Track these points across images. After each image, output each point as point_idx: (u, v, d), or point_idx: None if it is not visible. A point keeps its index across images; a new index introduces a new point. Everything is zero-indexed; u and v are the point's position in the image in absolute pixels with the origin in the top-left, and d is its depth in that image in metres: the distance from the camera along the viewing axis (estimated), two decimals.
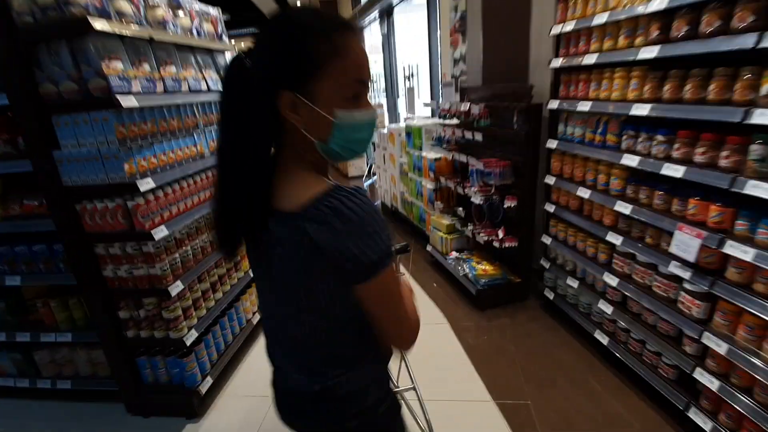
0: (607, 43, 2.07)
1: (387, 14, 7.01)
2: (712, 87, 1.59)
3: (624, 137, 2.05)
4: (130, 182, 1.84)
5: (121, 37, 1.86)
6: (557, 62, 2.43)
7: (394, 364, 1.93)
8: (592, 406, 2.14)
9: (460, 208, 3.58)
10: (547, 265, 2.87)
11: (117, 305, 2.14)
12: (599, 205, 2.28)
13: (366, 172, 6.76)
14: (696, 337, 1.74)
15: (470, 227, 3.33)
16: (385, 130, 5.17)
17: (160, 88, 2.06)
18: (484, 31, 3.58)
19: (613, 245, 2.23)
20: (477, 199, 3.08)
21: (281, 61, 0.71)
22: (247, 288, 2.92)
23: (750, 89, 1.47)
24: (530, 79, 3.05)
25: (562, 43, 2.44)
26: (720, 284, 1.62)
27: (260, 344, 2.87)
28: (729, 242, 1.54)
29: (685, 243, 1.69)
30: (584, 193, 2.31)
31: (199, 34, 2.47)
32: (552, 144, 2.57)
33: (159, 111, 2.08)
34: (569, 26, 2.27)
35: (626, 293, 2.14)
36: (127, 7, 1.88)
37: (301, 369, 0.86)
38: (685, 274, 1.74)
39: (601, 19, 2.02)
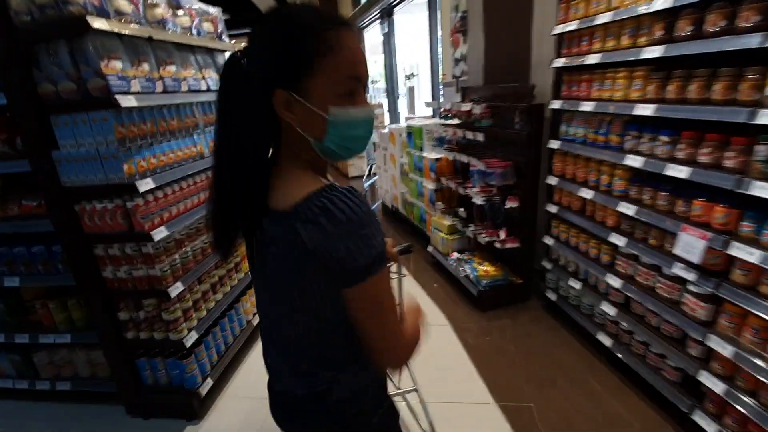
0: (610, 43, 2.05)
1: (387, 14, 7.00)
2: (716, 87, 1.58)
3: (627, 138, 2.04)
4: (130, 183, 1.82)
5: (120, 37, 1.85)
6: (559, 62, 2.41)
7: None
8: (593, 406, 2.13)
9: (462, 209, 3.57)
10: (548, 266, 2.86)
11: (116, 306, 2.13)
12: (602, 206, 2.27)
13: (366, 173, 6.75)
14: (700, 340, 1.72)
15: (471, 228, 3.31)
16: (386, 131, 5.16)
17: (159, 87, 2.05)
18: (485, 30, 3.57)
19: (615, 246, 2.21)
20: (478, 200, 3.07)
21: (274, 59, 0.71)
22: (247, 289, 2.90)
23: (755, 89, 1.46)
24: (532, 79, 3.03)
25: (564, 43, 2.43)
26: (725, 286, 1.60)
27: (260, 345, 2.85)
28: (734, 244, 1.52)
29: (690, 244, 1.67)
30: (587, 194, 2.29)
31: (199, 33, 2.45)
32: (554, 144, 2.56)
33: (158, 111, 2.07)
34: (571, 26, 2.25)
35: (629, 295, 2.12)
36: (126, 6, 1.86)
37: (293, 370, 0.85)
38: (690, 276, 1.73)
39: (603, 18, 2.01)
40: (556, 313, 2.90)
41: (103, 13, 1.74)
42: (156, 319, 2.12)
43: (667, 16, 1.74)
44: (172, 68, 2.16)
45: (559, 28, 2.37)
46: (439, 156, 3.85)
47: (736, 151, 1.54)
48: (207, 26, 2.55)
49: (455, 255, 3.55)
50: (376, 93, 9.35)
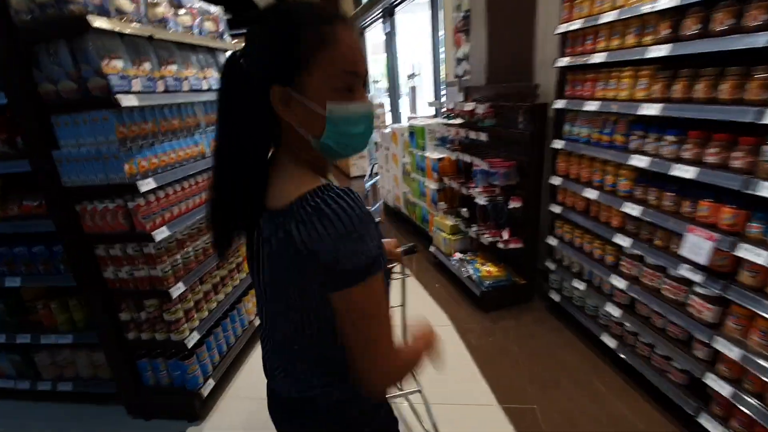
0: (615, 42, 2.03)
1: (389, 14, 6.98)
2: (723, 86, 1.56)
3: (632, 137, 2.01)
4: (131, 183, 1.81)
5: (121, 36, 1.84)
6: (563, 61, 2.39)
7: None
8: (597, 408, 2.12)
9: (464, 209, 3.55)
10: (552, 266, 2.84)
11: (118, 307, 2.12)
12: (606, 206, 2.25)
13: (368, 173, 6.73)
14: (707, 342, 1.70)
15: (474, 228, 3.30)
16: (388, 130, 5.15)
17: (161, 87, 2.04)
18: (488, 29, 3.56)
19: (620, 247, 2.19)
20: (481, 200, 3.05)
21: (269, 55, 0.70)
22: (249, 289, 2.89)
23: (763, 89, 1.44)
24: (535, 79, 3.01)
25: (567, 42, 2.41)
26: (732, 288, 1.58)
27: None
28: (742, 245, 1.50)
29: (697, 245, 1.65)
30: (591, 194, 2.27)
31: (200, 32, 2.44)
32: (558, 144, 2.54)
33: (160, 110, 2.06)
34: (576, 25, 2.23)
35: (635, 296, 2.10)
36: (127, 5, 1.85)
37: (287, 370, 0.84)
38: (696, 277, 1.71)
39: (608, 17, 1.99)
40: (559, 314, 2.88)
41: (103, 12, 1.73)
42: (157, 319, 2.11)
43: (674, 14, 1.72)
44: (173, 67, 2.14)
45: (563, 27, 2.35)
46: (441, 156, 3.83)
47: (743, 151, 1.52)
48: (208, 25, 2.54)
49: (458, 255, 3.53)
50: (377, 93, 9.34)
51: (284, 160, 0.77)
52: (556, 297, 2.84)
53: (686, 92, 1.71)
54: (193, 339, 2.17)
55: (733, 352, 1.58)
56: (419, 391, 1.95)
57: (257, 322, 2.91)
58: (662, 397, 2.01)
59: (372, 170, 6.60)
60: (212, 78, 2.48)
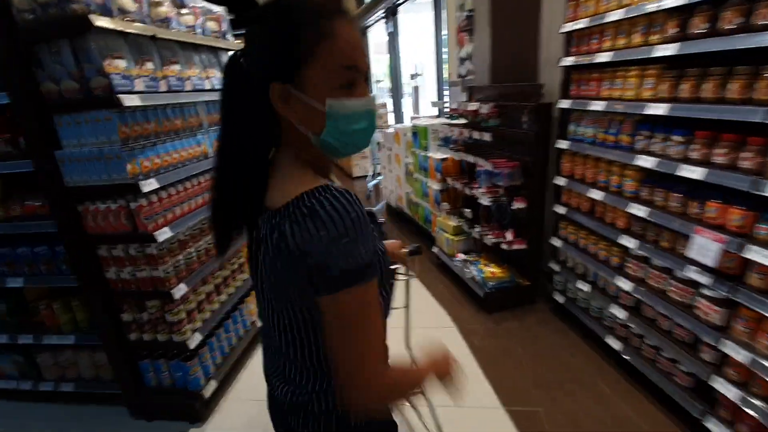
0: (621, 41, 2.01)
1: (392, 13, 6.97)
2: (732, 86, 1.54)
3: (638, 137, 1.99)
4: (133, 183, 1.80)
5: (124, 35, 1.83)
6: (568, 60, 2.37)
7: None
8: (602, 410, 2.10)
9: (468, 210, 3.53)
10: (556, 268, 2.82)
11: (120, 308, 2.11)
12: (611, 207, 2.23)
13: (371, 173, 6.72)
14: (714, 344, 1.68)
15: (477, 229, 3.28)
16: (391, 130, 5.14)
17: (163, 87, 2.03)
18: (491, 28, 3.54)
19: (626, 248, 2.17)
20: (485, 201, 3.03)
21: (267, 52, 0.69)
22: (251, 290, 2.87)
23: None
24: (539, 78, 2.99)
25: (573, 41, 2.39)
26: (740, 290, 1.56)
27: None
28: (750, 247, 1.48)
29: (704, 247, 1.63)
30: (596, 194, 2.25)
31: (203, 32, 2.43)
32: (562, 144, 2.52)
33: (162, 110, 2.05)
34: (581, 23, 2.21)
35: (640, 298, 2.08)
36: (129, 4, 1.84)
37: (283, 375, 0.83)
38: (703, 279, 1.69)
39: (615, 15, 1.97)
40: (563, 315, 2.86)
41: (106, 11, 1.72)
42: (159, 320, 2.10)
43: (681, 13, 1.70)
44: (176, 67, 2.14)
45: (568, 26, 2.33)
46: (444, 156, 3.82)
47: (752, 152, 1.50)
48: (211, 25, 2.53)
49: (461, 256, 3.52)
50: (380, 93, 9.32)
51: (285, 159, 0.76)
52: (560, 298, 2.82)
53: (694, 92, 1.69)
54: (195, 340, 2.16)
55: (740, 355, 1.56)
56: (422, 393, 1.93)
57: (259, 323, 2.90)
58: (667, 399, 2.00)
59: (375, 170, 6.59)
60: (215, 78, 2.47)
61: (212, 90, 2.42)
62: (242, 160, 0.73)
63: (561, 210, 2.65)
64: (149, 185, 1.85)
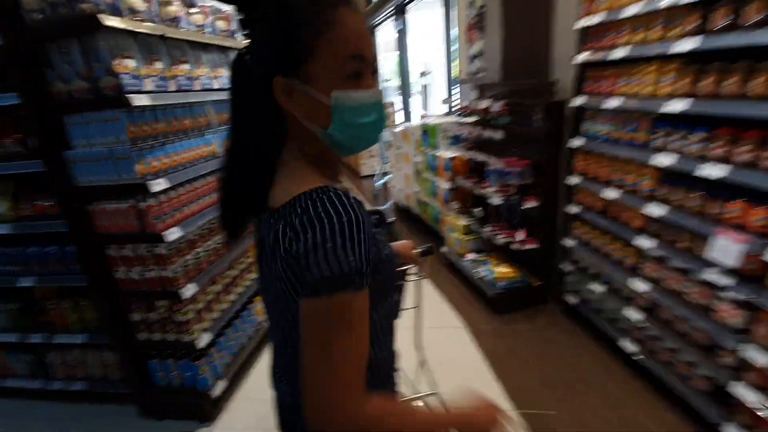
0: (638, 36, 1.96)
1: (401, 11, 6.93)
2: (755, 82, 1.48)
3: (656, 135, 1.94)
4: (142, 183, 1.80)
5: (133, 35, 1.82)
6: (583, 57, 2.32)
7: (411, 368, 1.86)
8: (614, 413, 2.06)
9: (478, 209, 3.49)
10: (568, 268, 2.77)
11: (129, 307, 2.11)
12: (627, 207, 2.17)
13: (380, 172, 6.70)
14: (734, 348, 1.63)
15: (488, 229, 3.23)
16: (399, 129, 5.11)
17: (172, 86, 2.02)
18: (503, 25, 3.49)
19: (641, 249, 2.12)
20: (495, 200, 2.99)
21: (269, 46, 0.68)
22: None
23: None
24: (552, 75, 2.93)
25: (587, 37, 2.34)
26: (763, 292, 1.51)
27: None
28: None
29: (725, 248, 1.58)
30: (612, 193, 2.20)
31: (212, 31, 2.42)
32: (576, 143, 2.46)
33: (171, 110, 2.04)
34: (596, 18, 2.16)
35: (657, 300, 2.03)
36: (139, 4, 1.83)
37: (284, 375, 0.82)
38: (724, 281, 1.64)
39: (632, 10, 1.92)
40: (575, 317, 2.81)
41: (115, 10, 1.71)
42: (168, 320, 2.10)
43: (702, 7, 1.64)
44: (185, 67, 2.13)
45: (583, 22, 2.28)
46: (454, 155, 3.78)
47: None
48: (221, 24, 2.52)
49: (471, 256, 3.48)
50: (388, 91, 9.29)
51: (289, 157, 0.74)
52: (572, 300, 2.77)
53: (715, 88, 1.63)
54: (203, 340, 2.15)
55: (762, 360, 1.51)
56: (436, 394, 1.90)
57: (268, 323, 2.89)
58: (681, 403, 1.96)
59: (383, 169, 6.57)
60: (224, 77, 2.46)
61: (221, 89, 2.41)
62: (247, 157, 0.72)
63: (574, 209, 2.60)
64: (158, 185, 1.84)
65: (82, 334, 2.24)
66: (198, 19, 2.28)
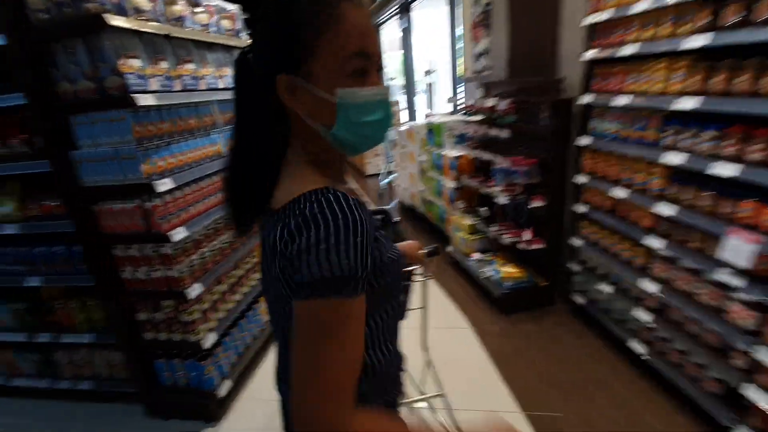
0: (648, 33, 1.93)
1: (406, 9, 6.91)
2: None
3: (666, 133, 1.91)
4: (148, 183, 1.79)
5: (139, 34, 1.82)
6: (590, 54, 2.29)
7: (416, 369, 1.84)
8: (622, 415, 2.04)
9: (484, 208, 3.47)
10: (576, 268, 2.74)
11: (135, 307, 2.12)
12: (636, 206, 2.14)
13: (384, 171, 6.69)
14: (746, 350, 1.61)
15: (494, 228, 3.21)
16: (404, 128, 5.09)
17: (178, 86, 2.02)
18: (510, 22, 3.46)
19: (651, 249, 2.09)
20: (501, 199, 2.97)
21: (270, 45, 0.67)
22: None
23: None
24: (559, 73, 2.91)
25: (595, 34, 2.31)
26: None
27: None
28: None
29: (737, 248, 1.55)
30: (621, 192, 2.17)
31: (217, 30, 2.42)
32: (583, 141, 2.44)
33: (176, 110, 2.04)
34: (605, 15, 2.14)
35: (667, 300, 2.00)
36: (144, 3, 1.83)
37: (286, 376, 0.79)
38: (736, 282, 1.61)
39: (642, 5, 1.89)
40: (583, 317, 2.78)
41: (121, 10, 1.71)
42: (174, 320, 2.10)
43: (713, 2, 1.61)
44: (190, 66, 2.12)
45: (591, 18, 2.25)
46: (459, 153, 3.75)
47: None
48: (225, 23, 2.52)
49: (476, 255, 3.46)
50: (393, 90, 9.27)
51: (293, 156, 0.73)
52: (580, 300, 2.75)
53: (726, 85, 1.61)
54: (209, 340, 2.15)
55: None
56: (442, 396, 1.89)
57: None
58: (691, 405, 1.93)
59: (388, 168, 6.55)
60: (228, 76, 2.46)
61: (226, 89, 2.41)
62: (249, 156, 0.71)
63: (581, 209, 2.57)
64: (164, 185, 1.84)
65: (89, 334, 2.25)
66: (203, 18, 2.28)
